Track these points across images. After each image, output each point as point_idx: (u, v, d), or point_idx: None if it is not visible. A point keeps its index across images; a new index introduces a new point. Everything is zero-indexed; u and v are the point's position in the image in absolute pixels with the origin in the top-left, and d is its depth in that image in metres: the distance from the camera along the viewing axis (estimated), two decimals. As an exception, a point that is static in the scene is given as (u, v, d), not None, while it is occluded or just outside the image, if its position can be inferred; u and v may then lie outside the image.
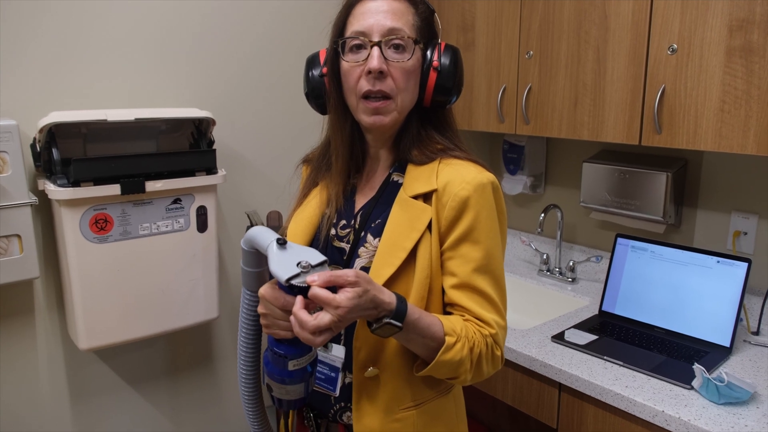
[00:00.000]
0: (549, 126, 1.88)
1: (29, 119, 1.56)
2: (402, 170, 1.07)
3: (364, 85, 1.00)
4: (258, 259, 0.96)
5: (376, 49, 0.98)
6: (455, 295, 1.01)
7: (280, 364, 0.93)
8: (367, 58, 0.99)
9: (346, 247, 1.07)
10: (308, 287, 0.85)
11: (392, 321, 0.89)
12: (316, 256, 0.88)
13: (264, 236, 0.91)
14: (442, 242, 1.02)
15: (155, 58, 1.76)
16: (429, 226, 1.01)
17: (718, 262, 1.65)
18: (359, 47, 1.00)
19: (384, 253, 1.00)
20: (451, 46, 1.06)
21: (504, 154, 2.35)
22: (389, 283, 0.98)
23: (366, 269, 1.01)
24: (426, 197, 1.02)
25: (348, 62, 1.01)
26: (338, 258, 1.07)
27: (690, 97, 1.54)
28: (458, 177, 1.01)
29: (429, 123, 1.08)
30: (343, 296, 0.83)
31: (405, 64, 1.00)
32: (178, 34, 1.78)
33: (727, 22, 1.45)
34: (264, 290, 0.90)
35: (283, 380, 0.93)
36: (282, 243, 0.88)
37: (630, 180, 1.92)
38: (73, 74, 1.63)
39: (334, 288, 0.85)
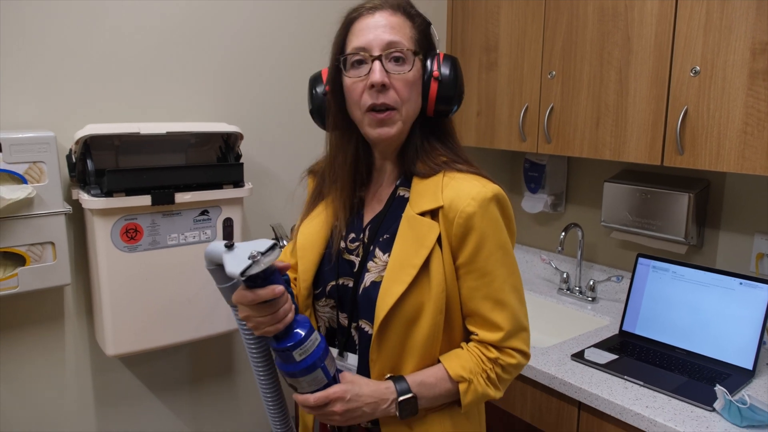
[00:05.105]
0: (570, 145, 1.90)
1: (66, 131, 1.61)
2: (408, 184, 1.09)
3: (368, 99, 1.02)
4: (224, 273, 0.96)
5: (377, 63, 1.01)
6: (474, 304, 1.05)
7: (288, 360, 0.95)
8: (368, 73, 1.01)
9: (356, 260, 1.09)
10: (263, 273, 0.89)
11: (402, 398, 1.00)
12: (264, 244, 0.90)
13: (216, 248, 0.93)
14: (455, 257, 1.04)
15: (186, 73, 1.81)
16: (439, 241, 1.03)
17: (741, 284, 1.64)
18: (360, 62, 1.03)
19: (394, 271, 1.02)
20: (450, 56, 1.08)
21: (525, 172, 2.37)
22: (402, 299, 1.00)
23: (376, 284, 1.04)
24: (433, 213, 1.04)
25: (350, 78, 1.04)
26: (348, 271, 1.09)
27: (713, 118, 1.55)
28: (463, 192, 1.02)
29: (431, 133, 1.10)
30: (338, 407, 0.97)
31: (406, 75, 1.02)
32: (208, 50, 1.84)
33: (750, 45, 1.47)
34: (235, 296, 0.94)
35: (299, 373, 0.95)
36: (230, 246, 0.91)
37: (651, 200, 1.92)
38: (107, 89, 1.69)
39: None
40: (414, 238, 1.02)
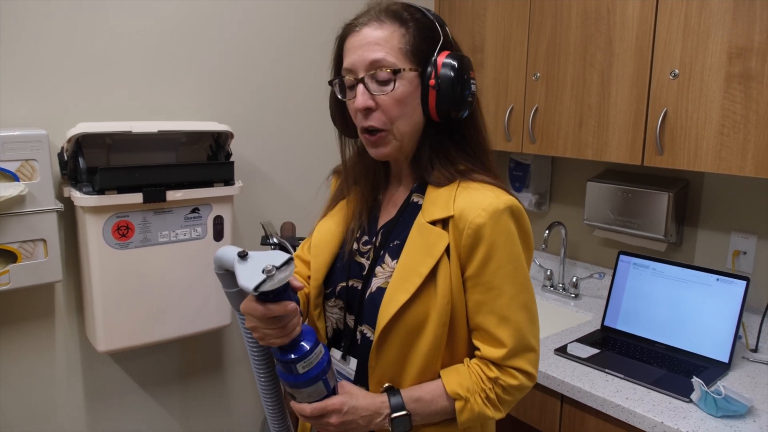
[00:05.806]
0: (554, 145, 1.95)
1: (58, 129, 1.63)
2: (422, 190, 1.06)
3: (360, 121, 1.02)
4: (232, 278, 0.94)
5: (360, 87, 0.99)
6: (480, 318, 1.02)
7: (291, 371, 0.95)
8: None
9: (366, 263, 1.08)
10: (277, 290, 0.86)
11: (395, 414, 0.99)
12: (279, 258, 0.86)
13: (228, 254, 0.91)
14: (463, 269, 1.01)
15: (178, 73, 1.83)
16: (447, 252, 1.00)
17: (718, 279, 1.70)
18: (351, 84, 1.02)
19: (399, 279, 1.01)
20: (455, 55, 1.02)
21: (510, 171, 2.41)
22: (406, 308, 0.99)
23: (382, 290, 1.03)
24: (443, 223, 1.01)
25: (345, 100, 1.04)
26: (358, 273, 1.09)
27: (691, 120, 1.60)
28: (475, 203, 0.99)
29: (449, 138, 1.05)
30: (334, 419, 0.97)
31: (393, 94, 0.99)
32: (200, 50, 1.86)
33: (726, 49, 1.52)
34: (243, 306, 0.92)
35: (300, 385, 0.96)
36: (243, 255, 0.87)
37: (633, 199, 1.97)
38: (99, 88, 1.70)
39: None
40: (422, 246, 1.01)
